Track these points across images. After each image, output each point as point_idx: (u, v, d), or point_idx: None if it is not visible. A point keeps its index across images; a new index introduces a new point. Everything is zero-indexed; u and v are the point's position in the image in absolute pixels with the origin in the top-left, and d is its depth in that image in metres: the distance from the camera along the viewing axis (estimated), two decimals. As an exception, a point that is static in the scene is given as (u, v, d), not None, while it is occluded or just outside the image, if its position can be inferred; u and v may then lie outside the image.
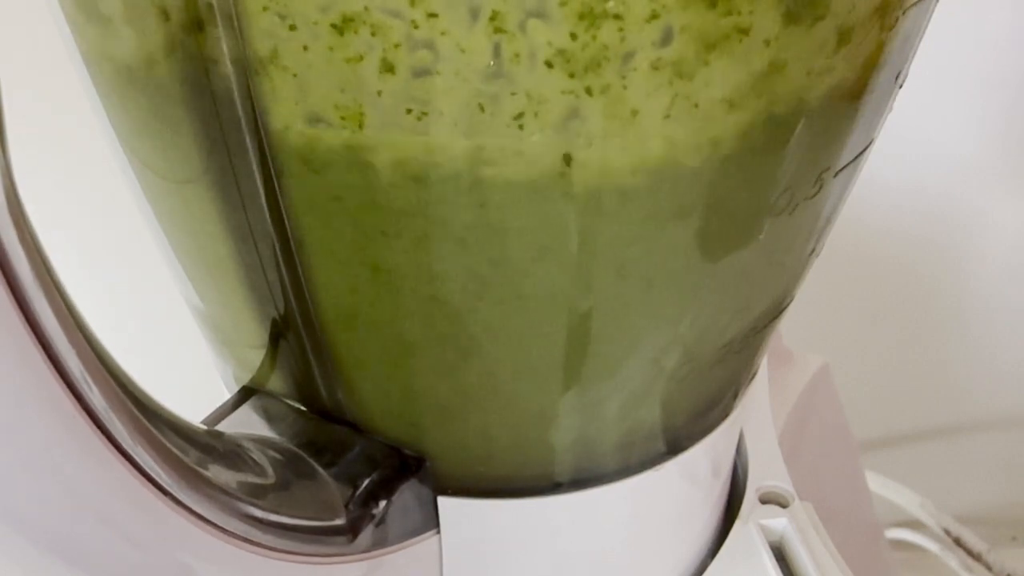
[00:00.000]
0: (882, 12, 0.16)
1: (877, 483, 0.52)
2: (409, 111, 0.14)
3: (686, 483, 0.23)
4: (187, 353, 0.31)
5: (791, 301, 0.22)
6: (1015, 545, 0.61)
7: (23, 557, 0.13)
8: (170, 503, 0.15)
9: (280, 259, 0.18)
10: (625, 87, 0.14)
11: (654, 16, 0.14)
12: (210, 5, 0.14)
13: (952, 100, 0.49)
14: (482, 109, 0.14)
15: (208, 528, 0.15)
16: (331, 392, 0.20)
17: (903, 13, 0.16)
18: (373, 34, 0.14)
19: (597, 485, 0.21)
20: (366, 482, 0.20)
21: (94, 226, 0.44)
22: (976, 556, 0.51)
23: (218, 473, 0.17)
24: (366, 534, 0.19)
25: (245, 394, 0.22)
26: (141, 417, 0.14)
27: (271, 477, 0.19)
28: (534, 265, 0.17)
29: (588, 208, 0.16)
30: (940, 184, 0.51)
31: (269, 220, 0.17)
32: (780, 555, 0.25)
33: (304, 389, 0.21)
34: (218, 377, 0.24)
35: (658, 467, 0.22)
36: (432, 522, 0.21)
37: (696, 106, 0.15)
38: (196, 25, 0.15)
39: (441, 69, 0.14)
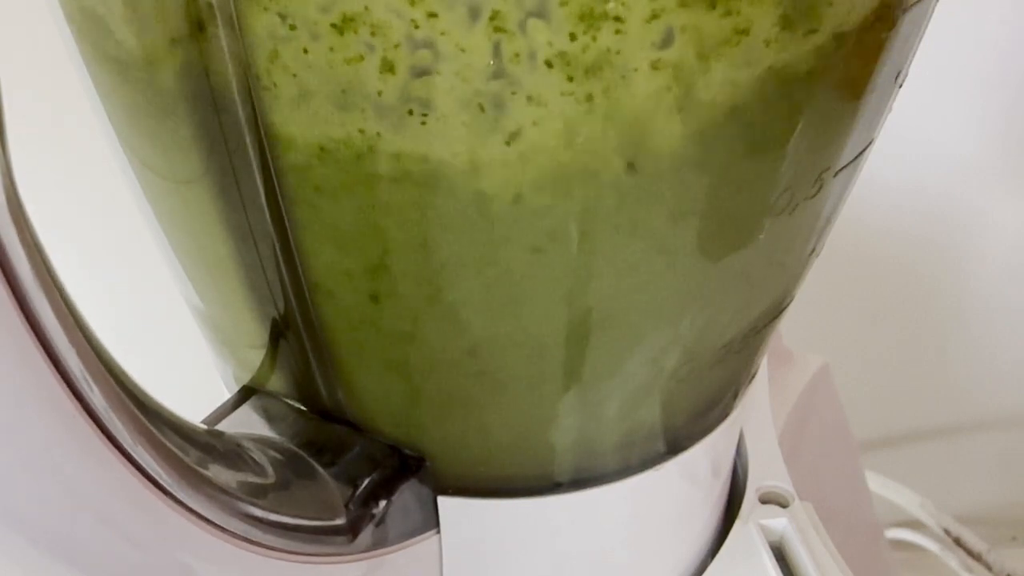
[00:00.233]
0: (882, 14, 0.16)
1: (877, 483, 0.52)
2: (410, 112, 0.14)
3: (686, 483, 0.23)
4: (187, 353, 0.31)
5: (791, 301, 0.22)
6: (1015, 545, 0.61)
7: (23, 557, 0.13)
8: (170, 503, 0.15)
9: (280, 259, 0.18)
10: (625, 87, 0.14)
11: (654, 16, 0.14)
12: (210, 5, 0.14)
13: (952, 100, 0.49)
14: (482, 109, 0.14)
15: (208, 528, 0.15)
16: (331, 392, 0.20)
17: (903, 13, 0.16)
18: (373, 34, 0.14)
19: (597, 485, 0.21)
20: (366, 482, 0.20)
21: (94, 226, 0.44)
22: (976, 556, 0.51)
23: (218, 473, 0.17)
24: (366, 534, 0.19)
25: (245, 394, 0.22)
26: (141, 417, 0.14)
27: (271, 477, 0.19)
28: (534, 266, 0.17)
29: (588, 207, 0.16)
30: (940, 184, 0.51)
31: (269, 220, 0.17)
32: (780, 555, 0.25)
33: (304, 389, 0.21)
34: (218, 377, 0.24)
35: (658, 467, 0.22)
36: (432, 522, 0.21)
37: (696, 106, 0.15)
38: (196, 25, 0.15)
39: (441, 69, 0.14)
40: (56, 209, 0.31)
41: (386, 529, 0.20)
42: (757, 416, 0.29)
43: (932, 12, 0.18)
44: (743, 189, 0.17)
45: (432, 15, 0.13)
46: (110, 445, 0.13)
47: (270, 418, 0.21)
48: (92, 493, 0.13)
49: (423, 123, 0.15)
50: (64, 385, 0.12)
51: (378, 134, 0.15)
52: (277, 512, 0.17)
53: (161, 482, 0.14)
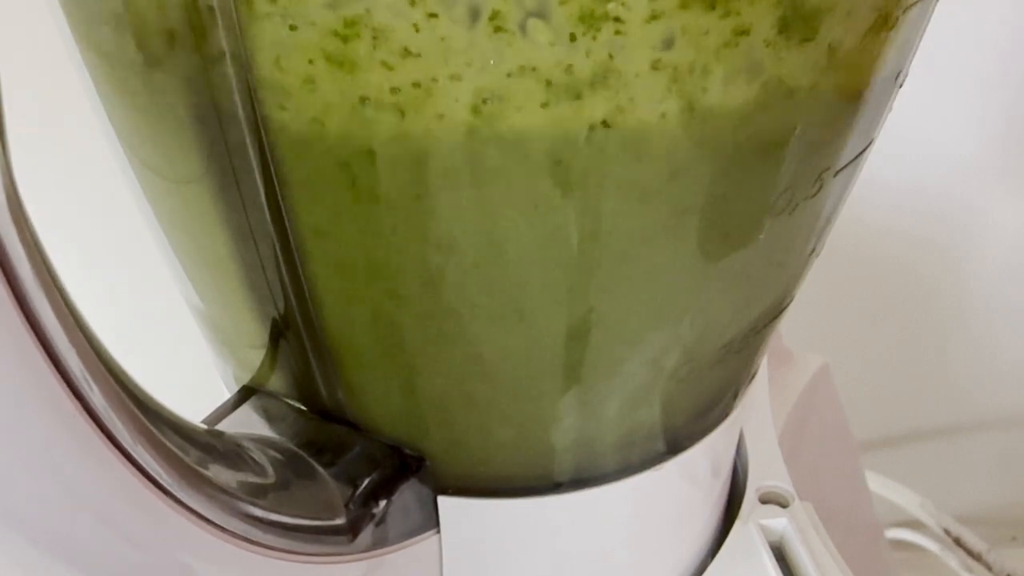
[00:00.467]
0: (882, 15, 0.16)
1: (877, 483, 0.52)
2: (410, 112, 0.14)
3: (686, 483, 0.23)
4: (187, 353, 0.31)
5: (791, 301, 0.22)
6: (1015, 545, 0.61)
7: (23, 557, 0.13)
8: (170, 503, 0.15)
9: (280, 259, 0.18)
10: (625, 88, 0.14)
11: (654, 17, 0.14)
12: (211, 7, 0.14)
13: (952, 100, 0.49)
14: (482, 108, 0.14)
15: (208, 528, 0.15)
16: (331, 392, 0.20)
17: (903, 13, 0.16)
18: (374, 36, 0.14)
19: (597, 485, 0.21)
20: (366, 482, 0.20)
21: (94, 226, 0.44)
22: (976, 556, 0.51)
23: (218, 473, 0.17)
24: (366, 534, 0.19)
25: (245, 394, 0.22)
26: (141, 417, 0.14)
27: (271, 477, 0.19)
28: (534, 266, 0.17)
29: (588, 207, 0.16)
30: (940, 184, 0.51)
31: (269, 220, 0.17)
32: (780, 555, 0.25)
33: (304, 389, 0.21)
34: (218, 377, 0.24)
35: (658, 467, 0.22)
36: (432, 522, 0.21)
37: (696, 106, 0.15)
38: (197, 26, 0.15)
39: (442, 69, 0.14)
40: (56, 209, 0.31)
41: (386, 529, 0.20)
42: (757, 416, 0.29)
43: (932, 12, 0.18)
44: (743, 189, 0.17)
45: (432, 15, 0.13)
46: (110, 445, 0.13)
47: (270, 418, 0.21)
48: (92, 493, 0.13)
49: (423, 123, 0.15)
50: (64, 385, 0.12)
51: (378, 134, 0.15)
52: (277, 512, 0.17)
53: (161, 482, 0.14)
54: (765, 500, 0.26)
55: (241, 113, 0.16)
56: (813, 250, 0.21)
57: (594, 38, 0.14)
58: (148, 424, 0.14)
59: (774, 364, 0.32)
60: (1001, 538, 0.60)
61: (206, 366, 0.24)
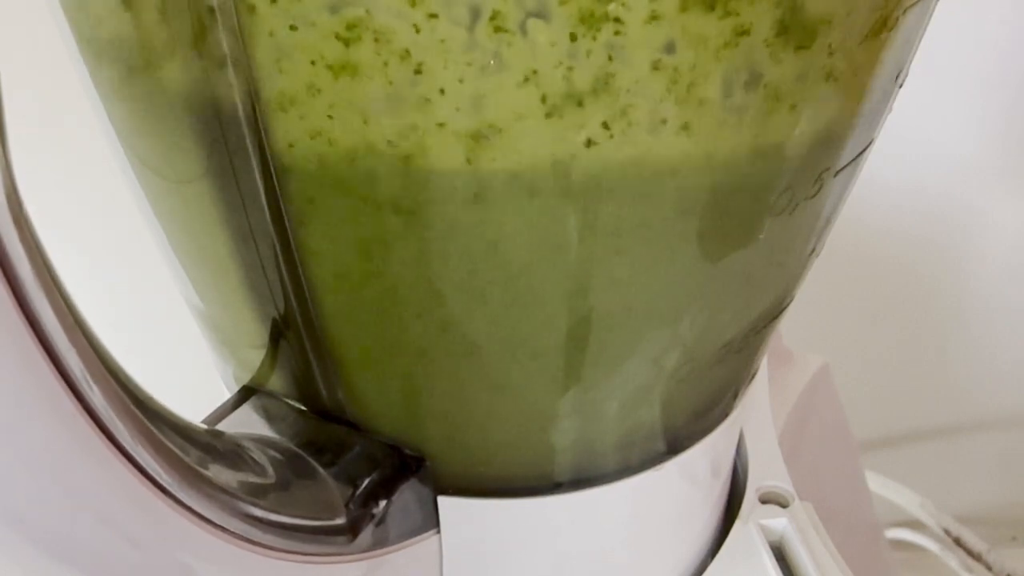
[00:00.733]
0: (882, 16, 0.16)
1: (877, 483, 0.52)
2: (410, 112, 0.14)
3: (686, 483, 0.23)
4: (187, 353, 0.31)
5: (791, 301, 0.22)
6: (1015, 545, 0.61)
7: (23, 557, 0.13)
8: (170, 503, 0.15)
9: (280, 259, 0.18)
10: (626, 88, 0.14)
11: (654, 18, 0.14)
12: (211, 7, 0.14)
13: (952, 100, 0.49)
14: (482, 108, 0.14)
15: (208, 528, 0.15)
16: (331, 392, 0.20)
17: (903, 13, 0.16)
18: (375, 38, 0.14)
19: (597, 485, 0.21)
20: (366, 482, 0.20)
21: (94, 226, 0.44)
22: (976, 556, 0.51)
23: (218, 473, 0.17)
24: (366, 534, 0.19)
25: (245, 394, 0.22)
26: (141, 417, 0.14)
27: (271, 477, 0.19)
28: (534, 266, 0.17)
29: (587, 208, 0.16)
30: (940, 184, 0.51)
31: (269, 220, 0.17)
32: (780, 555, 0.25)
33: (304, 389, 0.21)
34: (218, 377, 0.24)
35: (658, 467, 0.22)
36: (432, 522, 0.21)
37: (696, 107, 0.15)
38: (197, 27, 0.15)
39: (442, 70, 0.14)
40: (56, 209, 0.31)
41: (386, 529, 0.20)
42: (757, 416, 0.29)
43: (932, 12, 0.18)
44: (743, 189, 0.17)
45: (432, 16, 0.13)
46: (110, 445, 0.13)
47: (270, 418, 0.21)
48: (92, 493, 0.13)
49: (423, 123, 0.15)
50: (64, 385, 0.12)
51: (378, 134, 0.15)
52: (277, 512, 0.17)
53: (161, 482, 0.14)
54: (765, 500, 0.26)
55: (241, 113, 0.16)
56: (813, 250, 0.21)
57: (594, 39, 0.14)
58: (148, 424, 0.14)
59: (774, 364, 0.32)
60: (1001, 538, 0.60)
61: (206, 366, 0.24)
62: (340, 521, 0.19)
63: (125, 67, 0.17)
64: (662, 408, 0.21)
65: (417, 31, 0.14)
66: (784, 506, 0.26)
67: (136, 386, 0.15)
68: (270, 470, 0.19)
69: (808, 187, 0.18)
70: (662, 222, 0.16)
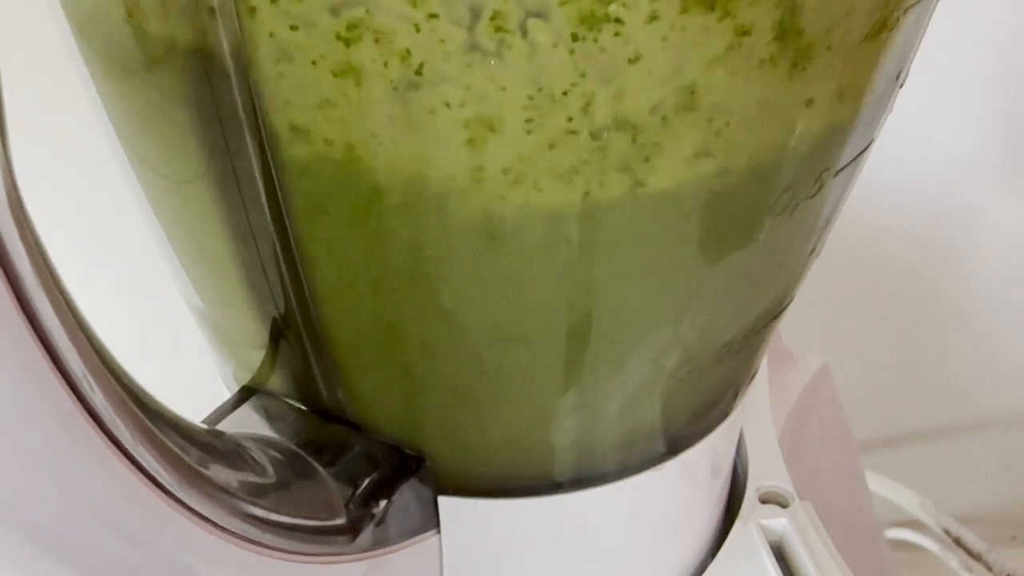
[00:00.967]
0: (882, 16, 0.16)
1: (877, 483, 0.52)
2: (409, 112, 0.14)
3: (686, 483, 0.23)
4: (187, 353, 0.31)
5: (791, 301, 0.22)
6: (1015, 545, 0.61)
7: (23, 557, 0.13)
8: (171, 502, 0.15)
9: (280, 259, 0.18)
10: (626, 89, 0.14)
11: (654, 18, 0.14)
12: (211, 8, 0.14)
13: (952, 100, 0.49)
14: (481, 108, 0.14)
15: (208, 528, 0.15)
16: (331, 391, 0.20)
17: (903, 13, 0.16)
18: (376, 38, 0.14)
19: (597, 485, 0.21)
20: (366, 482, 0.20)
21: (94, 226, 0.44)
22: (976, 556, 0.51)
23: (219, 472, 0.17)
24: (366, 534, 0.19)
25: (245, 393, 0.22)
26: (142, 417, 0.14)
27: (271, 476, 0.19)
28: (534, 267, 0.17)
29: (587, 210, 0.16)
30: (940, 184, 0.51)
31: (269, 220, 0.17)
32: (780, 555, 0.25)
33: (304, 388, 0.21)
34: (218, 377, 0.24)
35: (658, 467, 0.22)
36: (432, 522, 0.21)
37: (696, 107, 0.15)
38: (198, 27, 0.15)
39: (442, 70, 0.14)
40: (56, 209, 0.31)
41: (386, 529, 0.20)
42: (757, 416, 0.29)
43: (932, 12, 0.18)
44: (743, 189, 0.17)
45: (432, 16, 0.13)
46: (111, 445, 0.13)
47: (270, 418, 0.21)
48: (92, 493, 0.13)
49: (423, 123, 0.15)
50: (64, 385, 0.12)
51: (378, 135, 0.15)
52: (277, 512, 0.17)
53: (161, 482, 0.14)
54: (765, 500, 0.26)
55: (241, 113, 0.16)
56: (813, 250, 0.21)
57: (595, 39, 0.14)
58: (149, 424, 0.14)
59: (774, 364, 0.32)
60: (1001, 538, 0.60)
61: (206, 366, 0.24)
62: (340, 521, 0.19)
63: (125, 67, 0.17)
64: (662, 408, 0.21)
65: (417, 31, 0.14)
66: (784, 506, 0.26)
67: (136, 386, 0.15)
68: (270, 470, 0.19)
69: (808, 187, 0.18)
70: (663, 222, 0.16)
